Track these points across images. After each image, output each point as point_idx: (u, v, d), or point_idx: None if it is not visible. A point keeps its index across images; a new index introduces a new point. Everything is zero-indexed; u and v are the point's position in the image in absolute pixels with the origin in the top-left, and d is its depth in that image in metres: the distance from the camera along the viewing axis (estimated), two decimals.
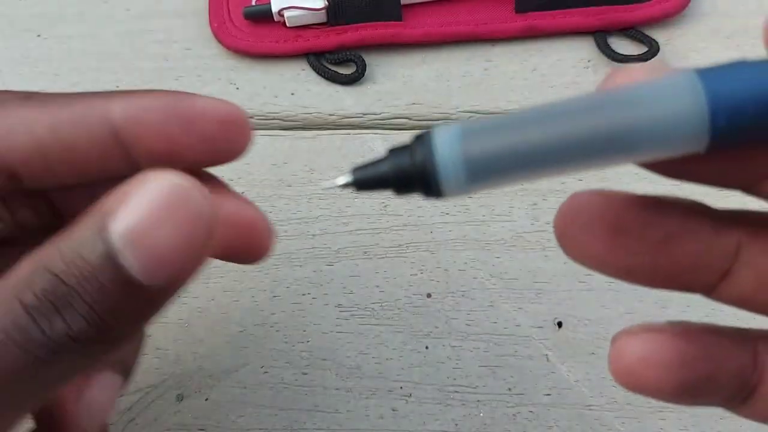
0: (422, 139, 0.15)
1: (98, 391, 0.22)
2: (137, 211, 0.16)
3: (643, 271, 0.17)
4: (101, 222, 0.16)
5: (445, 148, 0.15)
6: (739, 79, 0.14)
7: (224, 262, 0.23)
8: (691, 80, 0.14)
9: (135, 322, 0.18)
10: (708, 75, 0.14)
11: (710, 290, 0.17)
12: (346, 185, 0.16)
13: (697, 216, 0.17)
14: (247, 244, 0.22)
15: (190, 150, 0.20)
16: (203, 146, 0.20)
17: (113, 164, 0.20)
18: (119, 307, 0.16)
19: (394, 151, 0.16)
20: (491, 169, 0.15)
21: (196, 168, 0.21)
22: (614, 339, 0.17)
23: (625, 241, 0.17)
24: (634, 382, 0.17)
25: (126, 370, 0.23)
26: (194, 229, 0.17)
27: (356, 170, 0.16)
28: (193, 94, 0.21)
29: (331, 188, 0.17)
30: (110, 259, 0.16)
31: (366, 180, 0.16)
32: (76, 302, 0.16)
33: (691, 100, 0.14)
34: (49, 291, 0.16)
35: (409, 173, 0.16)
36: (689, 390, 0.17)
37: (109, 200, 0.17)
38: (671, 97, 0.14)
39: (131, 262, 0.16)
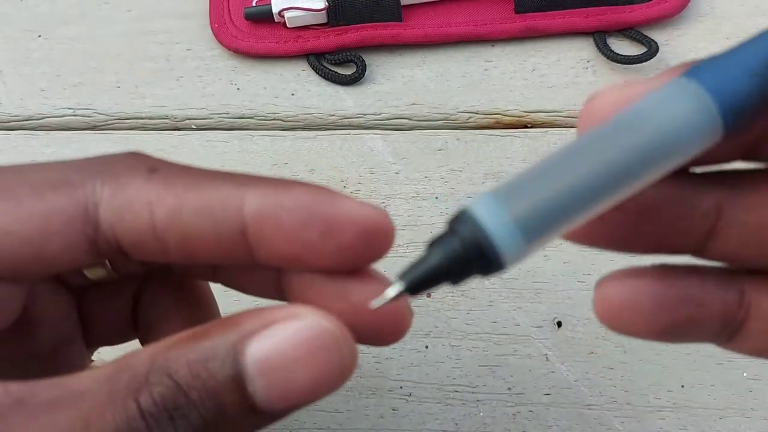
0: (462, 219, 0.15)
1: None
2: (278, 343, 0.16)
3: (629, 239, 0.18)
4: (237, 342, 0.16)
5: (493, 219, 0.14)
6: (730, 68, 0.15)
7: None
8: (690, 87, 0.15)
9: None
10: (703, 76, 0.15)
11: (699, 251, 0.18)
12: (399, 296, 0.16)
13: (675, 181, 0.17)
14: (385, 331, 0.20)
15: (324, 257, 0.18)
16: (339, 255, 0.18)
17: (234, 256, 0.18)
18: (231, 427, 0.16)
19: (436, 243, 0.15)
20: (543, 223, 0.14)
21: (322, 273, 0.19)
22: (598, 284, 0.18)
23: (611, 217, 0.17)
24: (618, 325, 0.18)
25: None
26: (331, 375, 0.16)
27: (404, 275, 0.15)
28: (337, 194, 0.18)
29: (384, 303, 0.16)
30: (238, 383, 0.16)
31: (419, 282, 0.15)
32: (193, 415, 0.16)
33: (700, 106, 0.14)
34: (168, 399, 0.16)
35: (463, 258, 0.15)
36: (672, 331, 0.17)
37: (250, 321, 0.16)
38: (681, 106, 0.15)
39: (258, 390, 0.16)
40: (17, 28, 0.38)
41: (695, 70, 0.15)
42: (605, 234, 0.18)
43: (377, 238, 0.18)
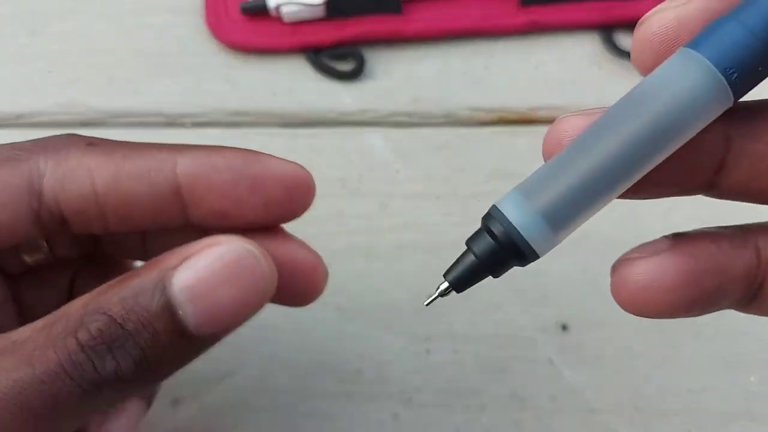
0: (492, 218, 0.16)
1: (122, 417, 0.22)
2: (202, 269, 0.17)
3: (643, 183, 0.17)
4: (164, 275, 0.17)
5: (519, 213, 0.16)
6: (732, 31, 0.15)
7: None
8: (694, 57, 0.15)
9: (178, 365, 0.19)
10: (705, 45, 0.15)
11: (710, 186, 0.17)
12: (445, 293, 0.18)
13: None
14: (300, 288, 0.22)
15: (252, 212, 0.20)
16: (266, 208, 0.20)
17: (168, 218, 0.20)
18: (167, 353, 0.18)
19: (472, 241, 0.17)
20: (567, 212, 0.16)
21: (251, 227, 0.21)
22: (614, 268, 0.17)
23: None
24: (642, 307, 0.17)
25: (149, 397, 0.24)
26: (253, 294, 0.18)
27: (448, 274, 0.17)
28: (261, 154, 0.20)
29: (434, 301, 0.18)
30: (168, 310, 0.17)
31: (462, 279, 0.17)
32: (129, 345, 0.17)
33: (709, 78, 0.15)
34: (104, 332, 0.17)
35: (499, 253, 0.16)
36: (699, 304, 0.17)
37: (174, 256, 0.18)
38: (685, 74, 0.15)
39: (188, 315, 0.17)
40: (9, 23, 0.38)
41: (697, 39, 0.15)
42: None
43: (299, 192, 0.21)
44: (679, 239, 0.17)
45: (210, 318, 0.18)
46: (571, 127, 0.17)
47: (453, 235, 0.33)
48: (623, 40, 0.36)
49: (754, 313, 0.18)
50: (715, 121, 0.16)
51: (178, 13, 0.38)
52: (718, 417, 0.30)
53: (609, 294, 0.31)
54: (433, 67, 0.36)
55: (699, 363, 0.31)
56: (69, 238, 0.23)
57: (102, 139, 0.20)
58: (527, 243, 0.16)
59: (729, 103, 0.15)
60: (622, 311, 0.33)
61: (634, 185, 0.17)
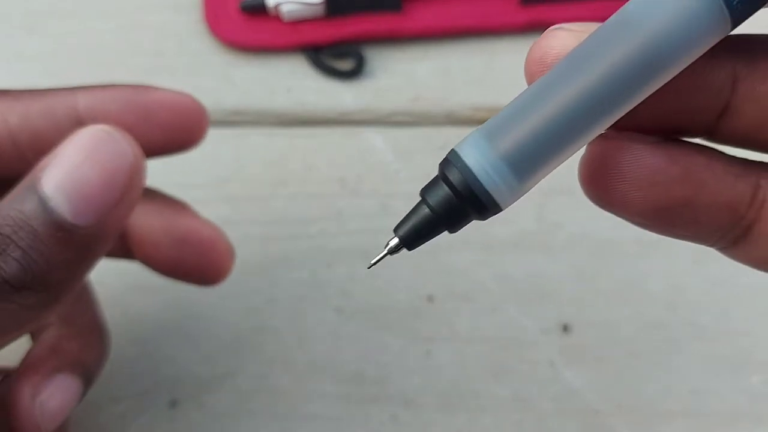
0: (450, 162, 0.14)
1: (54, 391, 0.22)
2: (66, 160, 0.18)
3: (634, 116, 0.15)
4: (35, 177, 0.18)
5: (481, 159, 0.14)
6: None
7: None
8: None
9: (69, 268, 0.19)
10: None
11: (712, 131, 0.16)
12: (395, 250, 0.15)
13: None
14: (205, 264, 0.24)
15: (148, 139, 0.22)
16: (161, 135, 0.22)
17: None
18: (52, 252, 0.18)
19: (426, 189, 0.15)
20: (535, 157, 0.14)
21: (154, 157, 0.23)
22: (590, 142, 0.15)
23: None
24: (603, 195, 0.15)
25: (87, 375, 0.24)
26: (118, 167, 0.19)
27: (398, 229, 0.15)
28: (152, 87, 0.23)
29: (380, 260, 0.16)
30: (42, 205, 0.18)
31: (415, 234, 0.15)
32: (10, 248, 0.17)
33: None
34: None
35: (455, 202, 0.14)
36: (666, 214, 0.15)
37: (43, 159, 0.19)
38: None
39: (61, 204, 0.18)
40: (7, 23, 0.38)
41: None
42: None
43: (190, 118, 0.23)
44: (671, 142, 0.15)
45: (83, 202, 0.18)
46: (559, 45, 0.15)
47: (454, 235, 0.32)
48: None
49: (738, 259, 0.16)
50: (721, 58, 0.15)
51: (176, 12, 0.37)
52: (721, 418, 0.30)
53: (610, 295, 0.31)
54: (433, 66, 0.36)
55: (701, 364, 0.30)
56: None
57: (9, 89, 0.22)
58: (488, 193, 0.14)
59: (727, 29, 0.13)
60: (623, 312, 0.33)
61: (628, 125, 0.15)
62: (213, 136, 0.35)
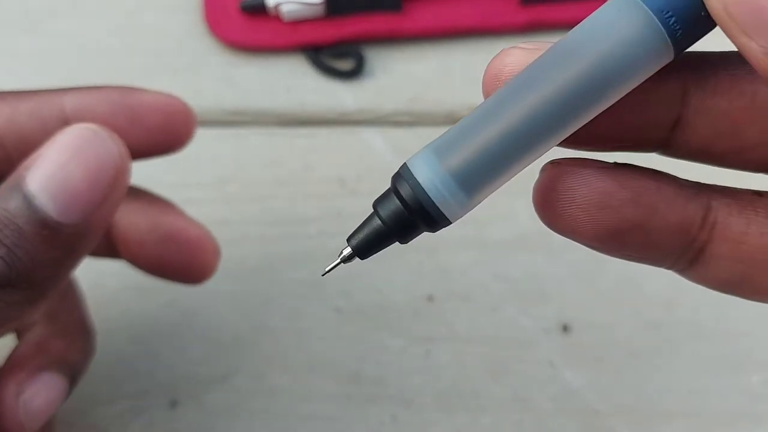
0: (401, 176, 0.15)
1: (38, 389, 0.22)
2: (51, 158, 0.18)
3: (587, 131, 0.15)
4: (19, 175, 0.18)
5: (430, 174, 0.14)
6: None
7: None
8: (630, 2, 0.14)
9: (54, 266, 0.19)
10: None
11: (665, 145, 0.16)
12: (348, 259, 0.16)
13: None
14: (190, 262, 0.24)
15: (136, 140, 0.22)
16: (148, 137, 0.22)
17: None
18: (37, 249, 0.18)
19: (378, 202, 0.15)
20: (482, 174, 0.14)
21: (141, 159, 0.23)
22: (542, 168, 0.16)
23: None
24: (555, 220, 0.16)
25: (72, 374, 0.24)
26: (103, 165, 0.18)
27: (351, 239, 0.16)
28: (140, 89, 0.23)
29: (332, 269, 0.16)
30: (27, 203, 0.18)
31: (366, 244, 0.15)
32: None
33: (637, 17, 0.13)
34: None
35: (405, 216, 0.15)
36: (618, 238, 0.15)
37: (28, 159, 0.19)
38: (619, 22, 0.14)
39: (46, 202, 0.18)
40: (5, 23, 0.38)
41: None
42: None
43: (177, 120, 0.23)
44: (623, 166, 0.16)
45: (68, 200, 0.18)
46: (512, 62, 0.15)
47: (454, 235, 0.32)
48: None
49: (694, 280, 0.17)
50: (672, 73, 0.15)
51: (176, 11, 0.37)
52: (720, 418, 0.30)
53: (610, 294, 0.31)
54: (433, 66, 0.36)
55: (701, 364, 0.30)
56: None
57: None
58: (436, 207, 0.14)
59: (670, 56, 0.14)
60: (623, 312, 0.33)
61: (581, 138, 0.15)
62: (213, 136, 0.35)
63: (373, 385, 0.30)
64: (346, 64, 0.36)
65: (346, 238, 0.16)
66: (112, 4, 0.38)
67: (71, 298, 0.25)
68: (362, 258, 0.16)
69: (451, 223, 0.15)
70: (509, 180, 0.15)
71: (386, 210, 0.15)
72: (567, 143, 0.16)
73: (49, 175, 0.18)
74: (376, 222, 0.15)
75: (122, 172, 0.19)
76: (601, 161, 0.16)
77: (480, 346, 0.31)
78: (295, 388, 0.30)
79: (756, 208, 0.15)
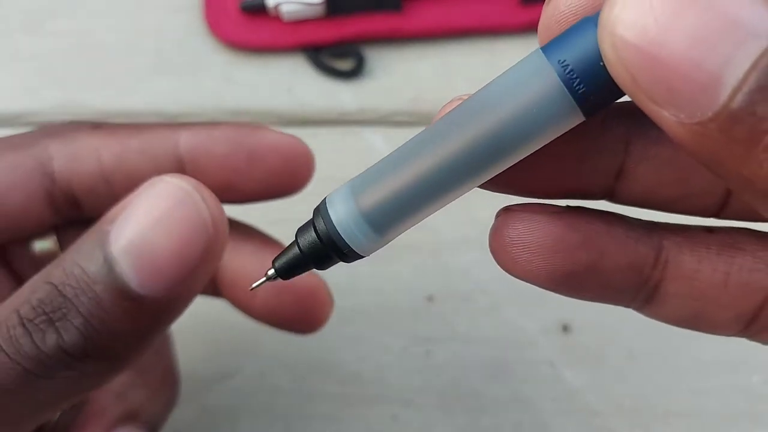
0: (319, 211, 0.16)
1: None
2: (136, 217, 0.16)
3: (532, 180, 0.16)
4: (103, 230, 0.16)
5: (341, 212, 0.15)
6: (580, 41, 0.13)
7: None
8: (539, 59, 0.14)
9: (133, 338, 0.17)
10: (552, 48, 0.14)
11: (611, 193, 0.16)
12: (272, 278, 0.17)
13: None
14: (304, 314, 0.22)
15: (253, 183, 0.21)
16: (266, 179, 0.21)
17: None
18: (115, 321, 0.16)
19: (300, 231, 0.16)
20: (392, 215, 0.15)
21: (255, 201, 0.21)
22: (497, 215, 0.16)
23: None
24: (512, 266, 0.16)
25: (152, 427, 0.23)
26: (193, 237, 0.16)
27: (275, 261, 0.17)
28: (260, 127, 0.21)
29: (260, 285, 0.17)
30: (107, 268, 0.15)
31: (288, 267, 0.16)
32: (71, 314, 0.15)
33: (545, 80, 0.13)
34: (45, 302, 0.16)
35: (320, 247, 0.16)
36: (573, 281, 0.16)
37: (114, 208, 0.16)
38: (528, 82, 0.14)
39: (127, 271, 0.16)
40: (6, 23, 0.38)
41: (551, 43, 0.14)
42: (505, 175, 0.15)
43: (297, 163, 0.21)
44: (574, 209, 0.16)
45: (152, 272, 0.16)
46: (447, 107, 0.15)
47: (454, 235, 0.32)
48: None
49: (652, 317, 0.17)
50: (613, 123, 0.15)
51: (176, 12, 0.37)
52: (720, 418, 0.30)
53: None
54: (433, 66, 0.36)
55: (701, 364, 0.30)
56: (79, 229, 0.23)
57: (105, 123, 0.21)
58: (348, 245, 0.15)
59: (580, 118, 0.14)
60: (623, 312, 0.32)
61: (527, 187, 0.16)
62: None
63: (373, 385, 0.30)
64: (346, 64, 0.36)
65: (273, 259, 0.17)
66: (112, 4, 0.38)
67: (160, 348, 0.24)
68: (285, 279, 0.17)
69: (363, 257, 0.16)
70: (422, 220, 0.15)
71: (305, 240, 0.16)
72: (515, 191, 0.16)
73: (133, 238, 0.16)
74: (296, 249, 0.16)
75: (215, 242, 0.16)
76: (553, 205, 0.16)
77: (480, 346, 0.31)
78: (295, 388, 0.30)
79: (708, 245, 0.16)
